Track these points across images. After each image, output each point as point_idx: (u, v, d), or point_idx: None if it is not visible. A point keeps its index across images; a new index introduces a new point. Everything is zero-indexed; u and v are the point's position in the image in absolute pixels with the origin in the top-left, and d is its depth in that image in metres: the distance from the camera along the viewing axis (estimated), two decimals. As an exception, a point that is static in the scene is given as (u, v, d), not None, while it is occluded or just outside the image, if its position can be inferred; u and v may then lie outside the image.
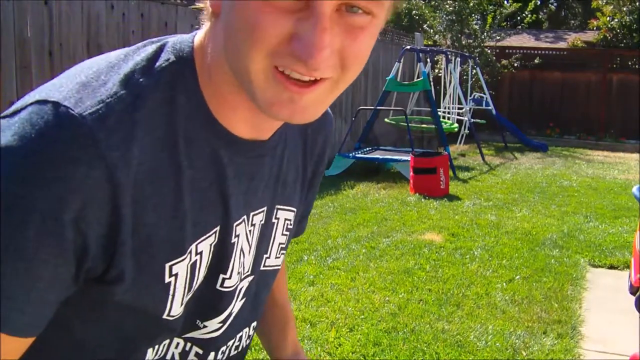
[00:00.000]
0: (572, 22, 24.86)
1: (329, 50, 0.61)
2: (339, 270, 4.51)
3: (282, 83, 0.62)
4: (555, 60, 14.88)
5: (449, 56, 11.16)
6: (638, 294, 3.42)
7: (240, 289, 0.81)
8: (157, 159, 0.66)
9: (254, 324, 0.90)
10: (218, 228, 0.73)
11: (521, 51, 14.77)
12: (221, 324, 0.81)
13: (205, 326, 0.79)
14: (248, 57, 0.62)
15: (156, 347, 0.77)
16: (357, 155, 8.75)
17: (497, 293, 4.13)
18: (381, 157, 8.80)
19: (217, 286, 0.77)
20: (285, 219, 0.86)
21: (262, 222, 0.81)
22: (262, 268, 0.85)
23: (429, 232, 5.62)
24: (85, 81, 0.64)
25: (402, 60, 10.00)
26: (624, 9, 15.27)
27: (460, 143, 11.39)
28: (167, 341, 0.78)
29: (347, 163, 8.52)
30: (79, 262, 0.63)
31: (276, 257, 0.87)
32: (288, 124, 0.80)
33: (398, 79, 10.01)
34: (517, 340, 3.42)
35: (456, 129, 11.02)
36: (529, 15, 14.18)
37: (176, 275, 0.70)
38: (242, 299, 0.82)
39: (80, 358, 0.75)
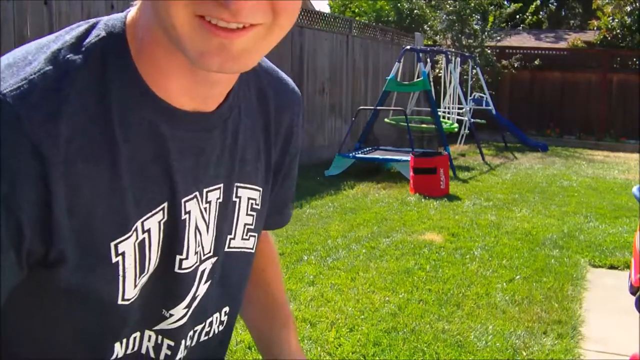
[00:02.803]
0: (572, 22, 24.86)
1: None
2: (339, 270, 4.50)
3: (210, 31, 0.60)
4: (555, 60, 14.88)
5: (449, 56, 11.16)
6: (638, 294, 3.42)
7: (203, 271, 0.78)
8: (89, 136, 0.63)
9: (226, 309, 0.87)
10: (165, 205, 0.70)
11: (521, 51, 14.77)
12: (186, 309, 0.78)
13: (171, 315, 0.77)
14: (170, 12, 0.60)
15: (124, 341, 0.74)
16: (357, 155, 8.75)
17: (497, 293, 4.13)
18: (381, 157, 8.80)
19: (176, 269, 0.74)
20: (249, 198, 0.82)
21: (220, 200, 0.78)
22: (226, 249, 0.81)
23: (429, 232, 5.62)
24: (12, 62, 0.64)
25: (402, 60, 10.00)
26: (625, 8, 15.26)
27: (460, 143, 11.39)
28: (137, 334, 0.76)
29: (347, 163, 8.52)
30: (17, 247, 0.61)
31: (243, 239, 0.83)
32: (241, 98, 0.78)
33: (398, 79, 10.01)
34: (517, 340, 3.41)
35: (456, 129, 11.02)
36: (530, 17, 14.18)
37: (123, 254, 0.68)
38: (206, 281, 0.79)
39: None
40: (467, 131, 11.31)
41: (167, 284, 0.74)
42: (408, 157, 7.73)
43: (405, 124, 9.24)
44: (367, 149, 9.32)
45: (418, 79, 10.01)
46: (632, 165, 10.93)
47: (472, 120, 11.29)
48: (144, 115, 0.67)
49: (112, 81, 0.66)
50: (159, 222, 0.70)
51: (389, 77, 9.57)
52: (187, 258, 0.74)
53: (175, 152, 0.70)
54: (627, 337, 3.45)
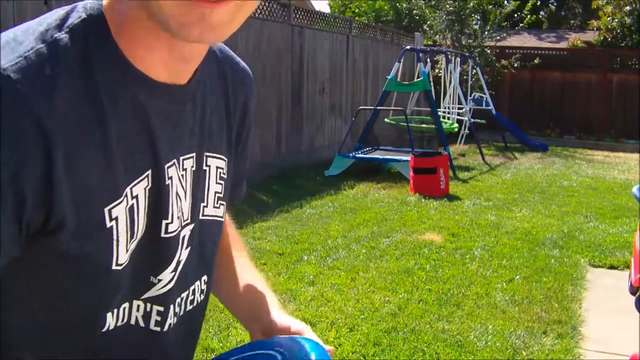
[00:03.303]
0: (572, 22, 24.86)
1: None
2: (339, 270, 4.50)
3: (192, 2, 0.63)
4: (555, 60, 14.88)
5: (449, 56, 11.16)
6: (638, 294, 3.42)
7: (183, 236, 0.82)
8: (81, 111, 0.68)
9: (205, 278, 0.91)
10: (150, 172, 0.75)
11: (521, 51, 14.77)
12: (173, 274, 0.82)
13: (159, 280, 0.80)
14: None
15: (115, 311, 0.77)
16: (357, 155, 8.75)
17: (497, 293, 4.13)
18: (381, 157, 8.80)
19: (162, 234, 0.78)
20: (217, 167, 0.88)
21: (194, 168, 0.83)
22: (201, 217, 0.85)
23: (429, 232, 5.62)
24: (4, 43, 0.66)
25: (402, 60, 10.00)
26: (625, 8, 15.26)
27: (460, 143, 11.39)
28: (126, 305, 0.78)
29: (347, 163, 8.52)
30: (19, 215, 0.64)
31: (215, 207, 0.88)
32: (205, 74, 0.83)
33: (398, 79, 10.01)
34: (517, 340, 3.41)
35: (456, 129, 11.02)
36: (529, 16, 14.18)
37: (116, 219, 0.72)
38: (187, 247, 0.83)
39: (38, 336, 0.75)
40: (467, 131, 11.31)
41: (154, 249, 0.78)
42: (408, 157, 7.73)
43: (405, 124, 9.24)
44: (367, 149, 9.32)
45: (418, 79, 10.01)
46: (632, 165, 10.93)
47: (472, 120, 11.29)
48: (127, 89, 0.72)
49: (95, 59, 0.70)
50: (145, 189, 0.75)
51: (389, 77, 9.57)
52: (171, 222, 0.79)
53: (157, 123, 0.75)
54: (627, 337, 3.45)
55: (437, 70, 12.55)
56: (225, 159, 0.89)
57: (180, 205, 0.80)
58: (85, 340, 0.77)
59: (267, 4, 8.28)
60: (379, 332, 3.45)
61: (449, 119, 11.34)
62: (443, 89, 11.58)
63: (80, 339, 0.77)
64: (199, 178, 0.84)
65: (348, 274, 4.43)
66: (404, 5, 16.02)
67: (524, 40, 17.13)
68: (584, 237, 5.61)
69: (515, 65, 14.12)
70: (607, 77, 14.14)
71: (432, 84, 10.16)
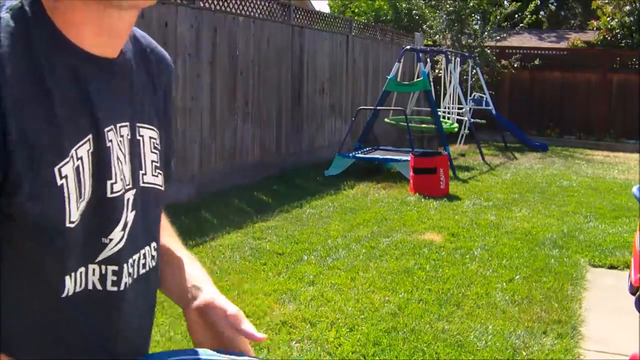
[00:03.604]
0: (572, 22, 24.86)
1: None
2: (339, 270, 4.51)
3: None
4: (555, 60, 14.88)
5: (449, 56, 11.16)
6: (638, 293, 3.42)
7: (128, 199, 0.88)
8: (27, 81, 0.76)
9: (154, 244, 0.95)
10: (91, 136, 0.82)
11: (521, 51, 14.76)
12: (122, 232, 0.87)
13: (110, 240, 0.86)
14: None
15: (73, 275, 0.82)
16: (357, 155, 8.75)
17: (497, 293, 4.13)
18: (381, 157, 8.80)
19: (108, 194, 0.84)
20: (150, 137, 0.94)
21: (129, 137, 0.89)
22: (141, 184, 0.91)
23: (429, 232, 5.62)
24: None
25: (402, 60, 10.00)
26: (625, 8, 15.26)
27: (460, 143, 11.39)
28: (82, 269, 0.83)
29: (347, 163, 8.52)
30: None
31: (153, 175, 0.94)
32: (130, 53, 0.91)
33: (398, 79, 10.01)
34: (517, 340, 3.42)
35: (456, 129, 11.02)
36: (529, 16, 14.19)
37: (66, 177, 0.78)
38: (132, 210, 0.89)
39: (0, 305, 0.79)
40: (467, 131, 11.31)
41: (102, 209, 0.84)
42: (408, 157, 7.73)
43: (405, 124, 9.24)
44: (367, 149, 9.32)
45: (418, 79, 10.01)
46: (632, 165, 10.93)
47: (472, 120, 11.29)
48: (65, 60, 0.80)
49: (35, 35, 0.78)
50: (88, 152, 0.82)
51: (389, 77, 9.57)
52: (116, 182, 0.85)
53: (93, 91, 0.83)
54: (627, 337, 3.45)
55: (437, 70, 12.55)
56: (157, 130, 0.96)
57: (121, 168, 0.86)
58: (47, 306, 0.81)
59: (267, 4, 8.28)
60: (379, 332, 3.45)
61: (449, 119, 11.34)
62: (443, 89, 11.57)
63: (43, 305, 0.81)
64: (134, 146, 0.90)
65: (348, 273, 4.43)
66: (404, 5, 16.01)
67: (524, 40, 17.13)
68: (584, 237, 5.61)
69: (515, 65, 14.12)
70: (607, 77, 14.13)
71: (432, 84, 10.16)
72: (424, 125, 11.07)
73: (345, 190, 7.52)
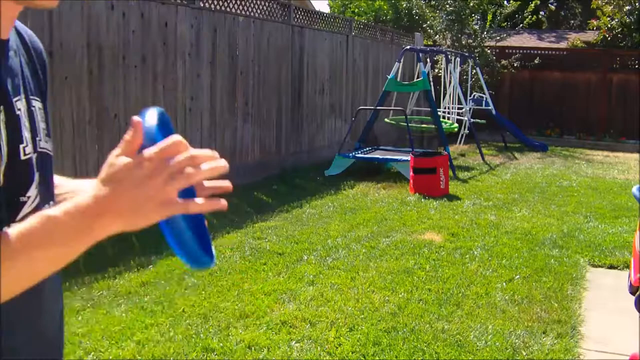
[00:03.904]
0: (572, 22, 24.87)
1: None
2: (339, 270, 4.51)
3: None
4: (555, 60, 14.88)
5: (449, 56, 11.16)
6: (638, 293, 3.42)
7: (34, 161, 0.99)
8: None
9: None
10: (2, 107, 0.91)
11: (521, 51, 14.77)
12: (36, 190, 0.99)
13: (28, 197, 0.96)
14: None
15: None
16: (357, 155, 8.76)
17: (497, 293, 4.13)
18: (381, 157, 8.81)
19: (21, 157, 0.95)
20: (39, 108, 1.05)
21: (25, 107, 1.00)
22: (39, 149, 1.02)
23: (429, 232, 5.62)
24: None
25: (402, 60, 10.01)
26: (625, 8, 15.26)
27: (460, 143, 11.39)
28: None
29: (347, 163, 8.53)
30: None
31: (45, 141, 1.05)
32: (14, 35, 1.01)
33: (398, 79, 10.01)
34: (517, 340, 3.42)
35: (456, 129, 11.02)
36: (529, 17, 14.19)
37: None
38: (37, 171, 1.00)
39: None
40: (467, 131, 11.31)
41: (19, 170, 0.95)
42: (408, 157, 7.73)
43: (405, 124, 9.24)
44: (367, 149, 9.32)
45: (418, 79, 10.01)
46: (632, 165, 10.93)
47: (472, 120, 11.30)
48: None
49: None
50: (2, 121, 0.91)
51: (389, 77, 9.57)
52: (27, 145, 0.97)
53: (2, 67, 0.93)
54: (627, 337, 3.45)
55: (437, 70, 12.55)
56: (42, 103, 1.08)
57: (26, 135, 0.97)
58: None
59: (267, 4, 8.28)
60: (378, 332, 3.45)
61: (449, 119, 11.34)
62: (443, 89, 11.58)
63: None
64: (29, 116, 1.01)
65: (348, 273, 4.43)
66: (404, 5, 16.02)
67: (524, 40, 17.15)
68: (584, 237, 5.61)
69: (515, 65, 14.12)
70: (607, 77, 14.14)
71: (432, 84, 10.16)
72: (424, 125, 11.08)
73: (345, 190, 7.52)
